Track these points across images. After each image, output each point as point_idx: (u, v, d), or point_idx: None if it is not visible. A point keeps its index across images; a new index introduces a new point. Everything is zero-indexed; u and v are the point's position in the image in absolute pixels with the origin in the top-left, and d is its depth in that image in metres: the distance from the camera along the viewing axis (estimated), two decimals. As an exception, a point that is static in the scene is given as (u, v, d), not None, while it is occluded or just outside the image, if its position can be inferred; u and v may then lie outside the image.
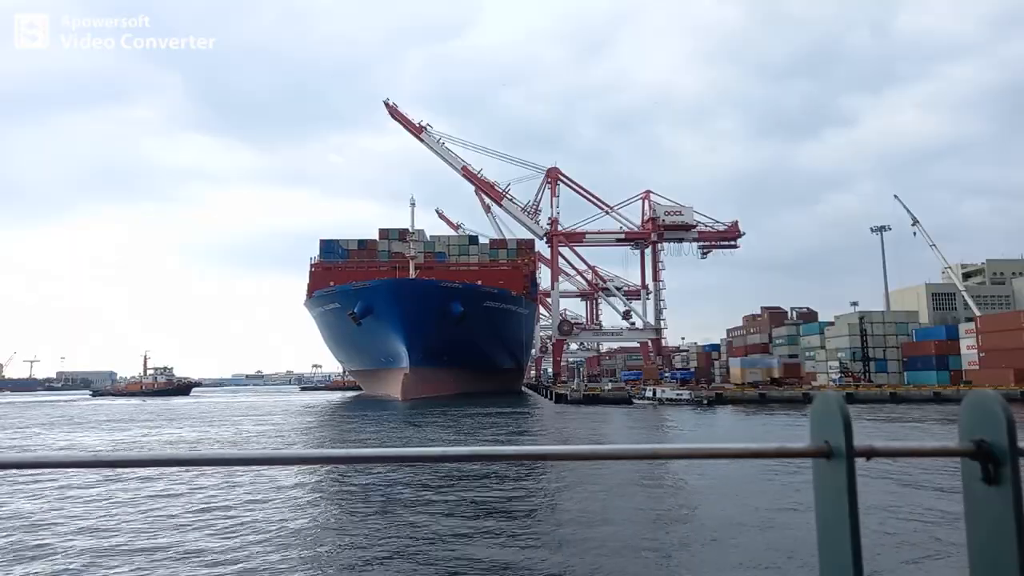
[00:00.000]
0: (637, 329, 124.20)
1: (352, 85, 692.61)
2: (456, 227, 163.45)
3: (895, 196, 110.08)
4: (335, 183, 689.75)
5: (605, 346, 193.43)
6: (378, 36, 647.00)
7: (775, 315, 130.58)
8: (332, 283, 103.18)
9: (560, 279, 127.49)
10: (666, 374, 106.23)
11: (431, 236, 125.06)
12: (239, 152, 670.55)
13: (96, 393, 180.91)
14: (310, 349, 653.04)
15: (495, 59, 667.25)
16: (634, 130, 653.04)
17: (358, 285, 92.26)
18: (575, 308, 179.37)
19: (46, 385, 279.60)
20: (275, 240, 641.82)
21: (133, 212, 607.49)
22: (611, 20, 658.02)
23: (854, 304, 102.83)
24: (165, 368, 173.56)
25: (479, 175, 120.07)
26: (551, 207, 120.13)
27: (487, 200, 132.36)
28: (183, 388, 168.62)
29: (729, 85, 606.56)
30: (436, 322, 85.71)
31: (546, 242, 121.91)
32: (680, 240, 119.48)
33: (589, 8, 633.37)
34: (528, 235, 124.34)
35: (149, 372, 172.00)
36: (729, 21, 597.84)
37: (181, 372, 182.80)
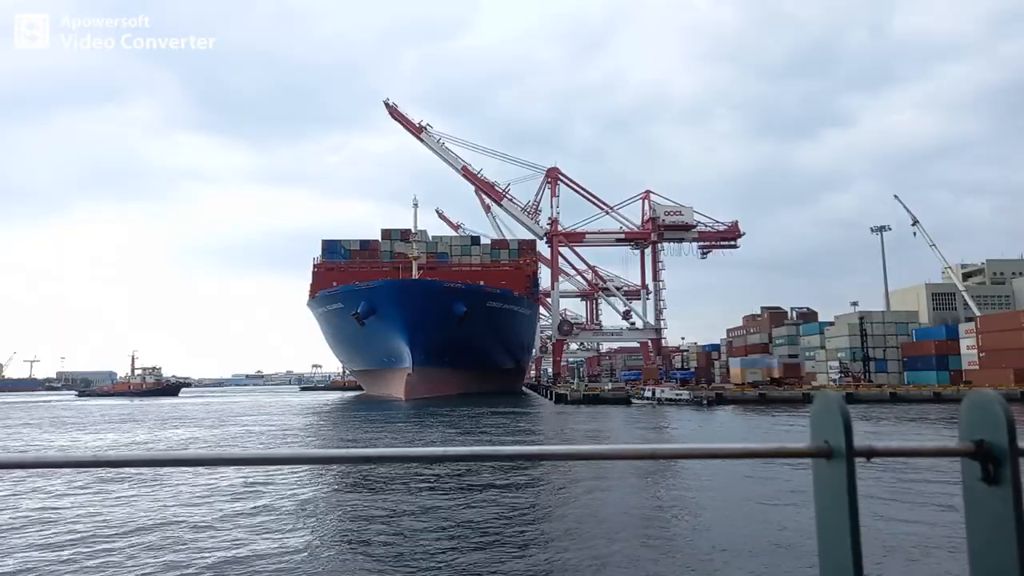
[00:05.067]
0: (637, 329, 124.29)
1: (350, 85, 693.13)
2: (456, 227, 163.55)
3: (895, 196, 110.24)
4: (334, 183, 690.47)
5: (605, 346, 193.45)
6: (376, 36, 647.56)
7: (775, 315, 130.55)
8: (335, 283, 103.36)
9: (560, 279, 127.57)
10: (672, 374, 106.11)
11: (433, 236, 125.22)
12: (238, 152, 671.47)
13: (83, 394, 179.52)
14: (310, 349, 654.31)
15: (491, 59, 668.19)
16: (632, 130, 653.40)
17: (361, 285, 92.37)
18: (575, 308, 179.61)
19: (46, 385, 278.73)
20: (274, 240, 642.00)
21: (133, 212, 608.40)
22: (607, 20, 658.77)
23: (854, 304, 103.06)
24: (154, 368, 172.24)
25: (479, 175, 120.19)
26: (551, 207, 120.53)
27: (487, 200, 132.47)
28: (172, 388, 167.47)
29: (727, 85, 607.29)
30: (439, 322, 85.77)
31: (546, 242, 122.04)
32: (680, 240, 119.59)
33: (585, 8, 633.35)
34: (529, 235, 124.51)
35: (137, 372, 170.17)
36: (726, 21, 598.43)
37: (182, 372, 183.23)
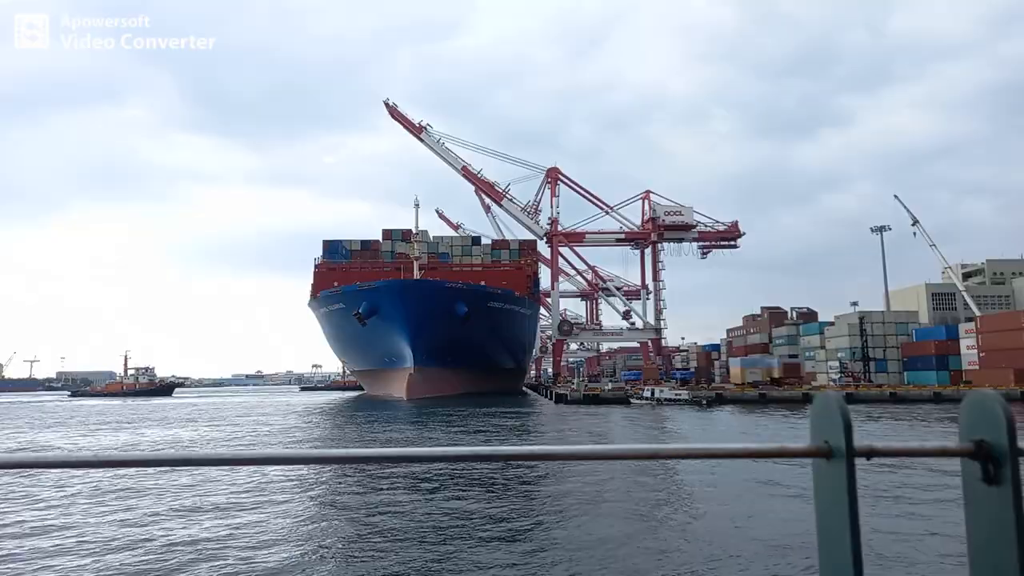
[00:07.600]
0: (637, 329, 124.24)
1: (348, 86, 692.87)
2: (456, 227, 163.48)
3: (895, 196, 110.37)
4: (333, 183, 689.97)
5: (605, 346, 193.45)
6: (373, 36, 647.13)
7: (775, 315, 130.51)
8: (336, 283, 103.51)
9: (560, 279, 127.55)
10: (672, 374, 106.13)
11: (434, 237, 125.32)
12: (236, 152, 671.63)
13: (75, 394, 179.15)
14: (310, 349, 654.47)
15: (488, 59, 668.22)
16: (630, 130, 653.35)
17: (364, 286, 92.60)
18: (575, 308, 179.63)
19: (46, 385, 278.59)
20: (274, 240, 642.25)
21: (133, 212, 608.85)
22: (604, 20, 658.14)
23: (854, 304, 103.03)
24: (146, 368, 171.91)
25: (479, 175, 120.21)
26: (551, 207, 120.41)
27: (487, 200, 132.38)
28: (165, 388, 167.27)
29: (725, 85, 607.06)
30: (441, 322, 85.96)
31: (546, 242, 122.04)
32: (680, 240, 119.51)
33: (582, 8, 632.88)
34: (529, 235, 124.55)
35: (130, 372, 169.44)
36: (724, 21, 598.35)
37: (182, 372, 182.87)
